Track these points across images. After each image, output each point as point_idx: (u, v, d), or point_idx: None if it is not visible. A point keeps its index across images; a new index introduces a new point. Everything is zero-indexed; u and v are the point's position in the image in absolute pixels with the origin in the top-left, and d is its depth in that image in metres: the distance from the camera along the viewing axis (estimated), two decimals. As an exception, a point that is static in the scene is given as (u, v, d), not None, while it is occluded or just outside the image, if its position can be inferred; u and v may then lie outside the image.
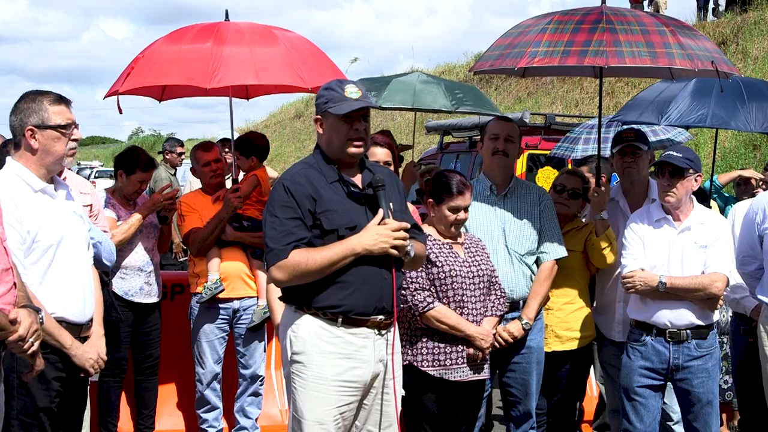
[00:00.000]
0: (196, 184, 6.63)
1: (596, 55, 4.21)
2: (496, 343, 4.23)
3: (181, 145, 9.96)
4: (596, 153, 5.14)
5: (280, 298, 3.55)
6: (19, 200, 3.40)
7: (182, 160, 10.02)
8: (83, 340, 3.65)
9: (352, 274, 3.33)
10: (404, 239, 3.36)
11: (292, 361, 3.39)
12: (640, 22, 4.39)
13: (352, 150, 3.41)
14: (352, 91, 3.39)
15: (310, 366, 3.34)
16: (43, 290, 3.41)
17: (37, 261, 3.44)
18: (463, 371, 4.07)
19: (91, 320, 3.72)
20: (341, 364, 3.35)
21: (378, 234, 3.31)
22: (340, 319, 3.35)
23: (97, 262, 3.90)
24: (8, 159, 3.56)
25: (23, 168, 3.50)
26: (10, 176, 3.49)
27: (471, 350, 4.06)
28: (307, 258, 3.29)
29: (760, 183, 7.67)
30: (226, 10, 5.65)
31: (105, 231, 4.90)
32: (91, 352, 3.67)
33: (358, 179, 3.46)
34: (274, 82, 5.45)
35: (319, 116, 3.45)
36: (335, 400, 3.35)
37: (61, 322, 3.51)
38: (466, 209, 4.15)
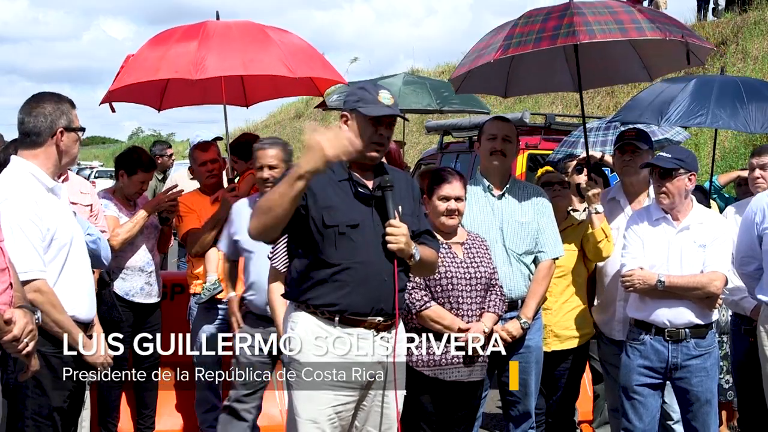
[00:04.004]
0: (183, 186, 6.62)
1: (568, 35, 4.27)
2: (495, 342, 4.23)
3: (170, 146, 9.72)
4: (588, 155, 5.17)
5: (283, 295, 3.57)
6: (37, 198, 3.43)
7: (173, 161, 9.86)
8: (89, 338, 3.67)
9: (350, 274, 3.33)
10: (408, 242, 3.36)
11: (289, 359, 3.40)
12: (607, 5, 4.48)
13: (373, 154, 3.43)
14: (385, 97, 3.42)
15: (305, 365, 3.36)
16: (58, 288, 3.43)
17: (53, 259, 3.46)
18: (459, 371, 4.07)
19: (94, 319, 3.75)
20: (337, 363, 3.36)
21: (317, 147, 3.12)
22: (337, 318, 3.35)
23: (96, 260, 3.90)
24: (14, 157, 3.56)
25: (36, 167, 3.51)
26: (24, 174, 3.49)
27: (468, 348, 4.04)
28: (264, 197, 3.25)
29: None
30: (217, 12, 5.68)
31: (104, 231, 4.92)
32: (101, 351, 3.69)
33: (369, 181, 3.46)
34: (262, 72, 5.46)
35: (346, 113, 3.45)
36: (330, 399, 3.36)
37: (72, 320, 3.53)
38: (457, 199, 4.14)
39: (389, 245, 3.35)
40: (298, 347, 3.38)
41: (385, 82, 7.71)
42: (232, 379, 4.83)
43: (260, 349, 4.82)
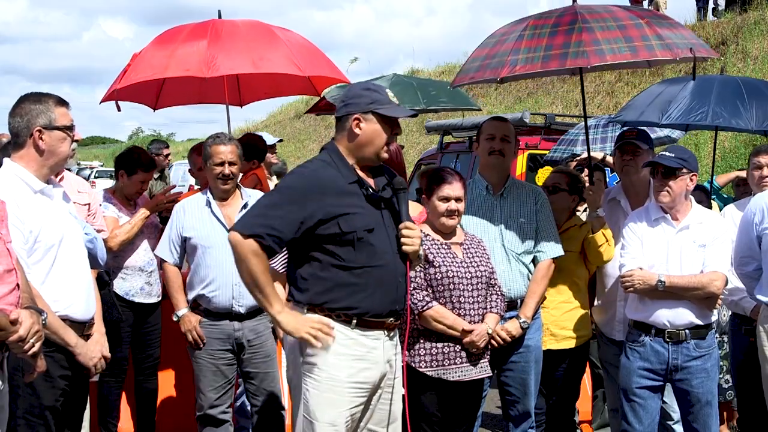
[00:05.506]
0: None
1: (577, 56, 4.19)
2: (493, 342, 4.24)
3: (167, 146, 9.66)
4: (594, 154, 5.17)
5: (288, 299, 3.54)
6: (20, 201, 3.42)
7: (169, 161, 9.80)
8: (86, 338, 3.68)
9: (369, 277, 3.31)
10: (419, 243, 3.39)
11: (305, 363, 3.37)
12: (615, 17, 4.39)
13: (385, 154, 3.43)
14: (393, 96, 3.41)
15: (323, 368, 3.32)
16: (46, 289, 3.42)
17: (40, 260, 3.45)
18: (461, 371, 4.07)
19: (93, 318, 3.74)
20: (354, 365, 3.34)
21: (302, 323, 3.30)
22: (354, 321, 3.33)
23: (92, 259, 3.90)
24: (6, 160, 3.57)
25: (23, 169, 3.52)
26: (10, 177, 3.50)
27: (467, 340, 4.04)
28: (249, 279, 3.31)
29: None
30: (219, 11, 5.68)
31: (101, 230, 4.92)
32: (95, 351, 3.68)
33: (370, 179, 3.45)
34: (272, 71, 5.47)
35: (358, 116, 3.37)
36: (348, 402, 3.34)
37: (65, 320, 3.53)
38: (457, 199, 4.12)
39: (405, 247, 3.35)
40: (315, 351, 3.34)
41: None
42: (200, 384, 4.83)
43: (224, 350, 4.81)
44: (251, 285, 3.32)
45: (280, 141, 7.91)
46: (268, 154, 6.97)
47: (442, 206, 4.12)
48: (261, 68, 5.36)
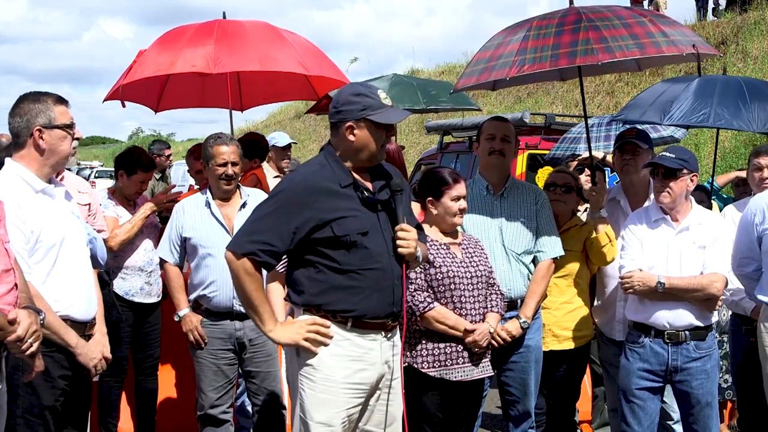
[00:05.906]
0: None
1: (586, 54, 4.19)
2: (494, 342, 4.23)
3: (168, 147, 9.70)
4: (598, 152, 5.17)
5: (286, 299, 3.53)
6: (21, 200, 3.42)
7: (170, 162, 9.83)
8: (87, 338, 3.67)
9: (364, 280, 3.31)
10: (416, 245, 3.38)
11: (301, 364, 3.36)
12: (618, 16, 4.40)
13: (380, 156, 3.44)
14: (385, 98, 3.39)
15: (320, 368, 3.32)
16: (47, 289, 3.42)
17: (41, 260, 3.45)
18: (463, 371, 4.07)
19: (94, 318, 3.74)
20: (350, 366, 3.34)
21: (296, 331, 3.32)
22: (349, 323, 3.33)
23: (92, 260, 3.90)
24: (7, 160, 3.57)
25: (24, 169, 3.52)
26: (11, 177, 3.50)
27: (469, 339, 4.04)
28: (242, 297, 3.37)
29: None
30: (224, 12, 5.69)
31: (102, 230, 4.91)
32: (96, 352, 3.68)
33: (367, 182, 3.44)
34: (278, 69, 5.47)
35: (351, 123, 3.35)
36: (344, 403, 3.34)
37: (66, 320, 3.53)
38: (465, 198, 4.15)
39: (400, 249, 3.34)
40: (311, 352, 3.33)
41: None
42: (201, 384, 4.82)
43: (225, 350, 4.80)
44: (244, 303, 3.40)
45: (295, 143, 7.89)
46: (274, 157, 6.94)
47: (455, 206, 4.13)
48: (267, 66, 5.37)
